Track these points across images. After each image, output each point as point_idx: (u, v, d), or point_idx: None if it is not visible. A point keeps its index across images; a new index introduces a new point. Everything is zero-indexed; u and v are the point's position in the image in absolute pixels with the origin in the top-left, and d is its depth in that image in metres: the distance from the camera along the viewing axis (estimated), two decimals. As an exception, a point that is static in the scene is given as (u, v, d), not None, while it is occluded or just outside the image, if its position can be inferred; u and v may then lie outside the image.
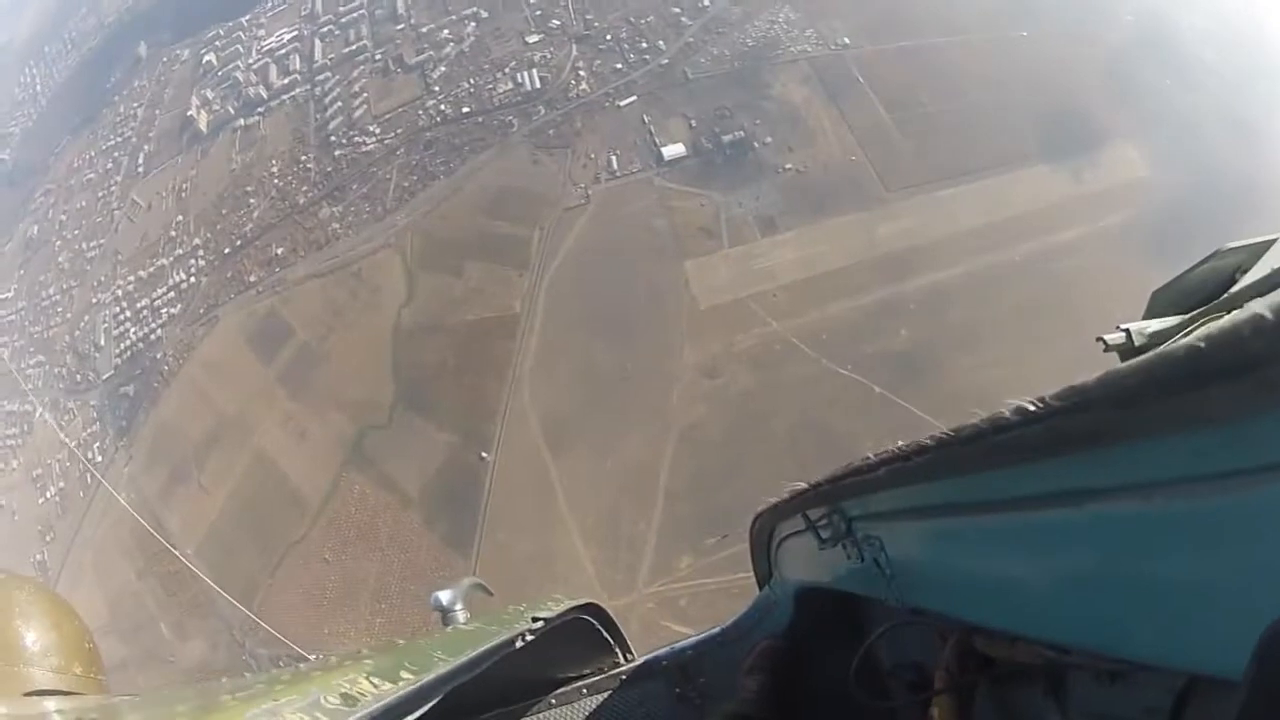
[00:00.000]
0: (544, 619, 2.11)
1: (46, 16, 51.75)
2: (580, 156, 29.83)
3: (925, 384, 26.67)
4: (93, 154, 41.41)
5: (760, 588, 3.01)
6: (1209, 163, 32.98)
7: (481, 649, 1.67)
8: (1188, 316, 1.66)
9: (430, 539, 26.83)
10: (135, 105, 41.61)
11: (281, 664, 29.40)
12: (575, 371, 26.66)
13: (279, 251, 32.50)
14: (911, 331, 27.74)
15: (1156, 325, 1.65)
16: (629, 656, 3.15)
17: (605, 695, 3.07)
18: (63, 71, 47.23)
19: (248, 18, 41.34)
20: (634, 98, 31.10)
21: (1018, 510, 0.97)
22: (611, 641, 3.04)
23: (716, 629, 3.13)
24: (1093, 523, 0.83)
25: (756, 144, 30.07)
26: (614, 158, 29.66)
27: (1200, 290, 1.88)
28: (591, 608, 2.78)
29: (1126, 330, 1.66)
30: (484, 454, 26.54)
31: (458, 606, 2.43)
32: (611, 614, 2.90)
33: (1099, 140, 33.79)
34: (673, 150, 29.67)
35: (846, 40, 33.67)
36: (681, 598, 24.37)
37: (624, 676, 3.10)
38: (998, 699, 1.60)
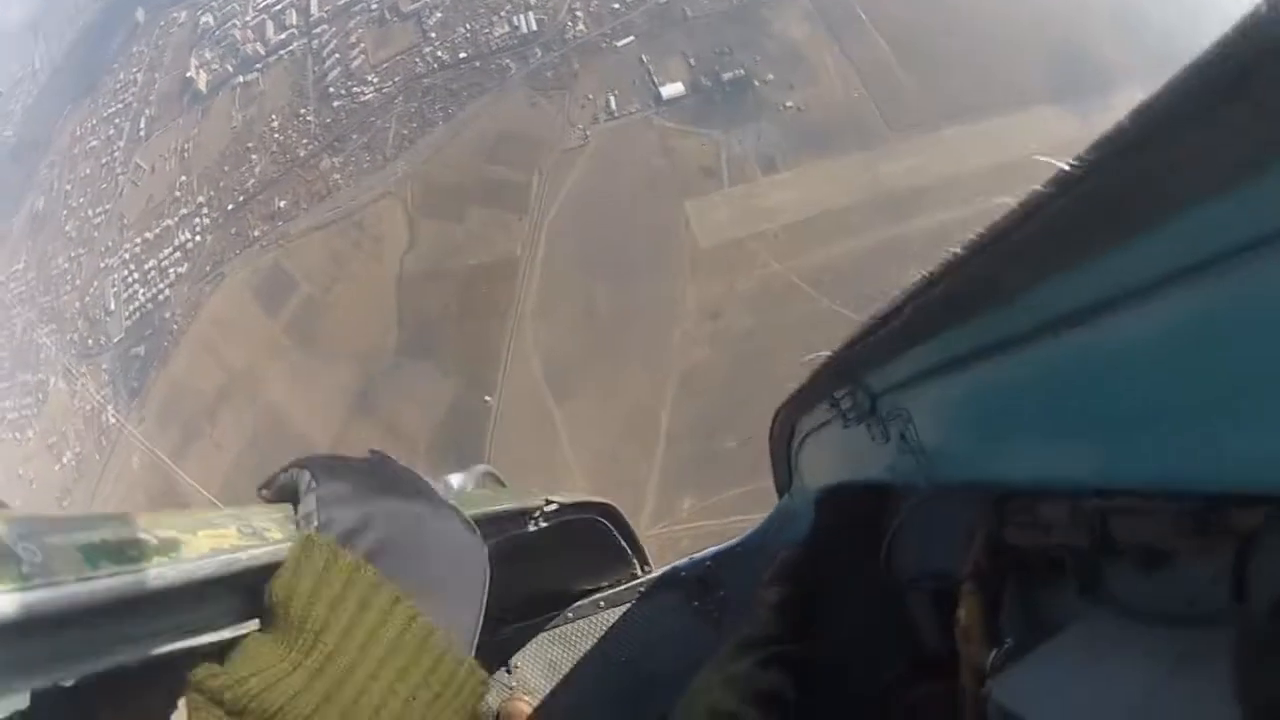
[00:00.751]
0: (559, 503, 2.04)
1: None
2: (578, 98, 29.40)
3: None
4: (95, 122, 41.52)
5: (780, 496, 2.91)
6: None
7: (495, 508, 1.61)
8: None
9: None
10: (135, 71, 41.53)
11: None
12: (576, 314, 26.58)
13: (281, 205, 32.53)
14: (916, 271, 27.31)
15: None
16: (646, 568, 3.10)
17: (622, 608, 3.05)
18: (61, 45, 47.20)
19: (242, -23, 40.95)
20: (631, 37, 30.49)
21: (1042, 339, 0.85)
22: (629, 550, 2.96)
23: (736, 540, 3.08)
24: (1129, 328, 0.71)
25: (757, 82, 29.43)
26: (612, 98, 29.19)
27: None
28: (608, 510, 2.71)
29: None
30: (487, 398, 26.66)
31: (469, 489, 2.38)
32: (627, 519, 2.82)
33: (1109, 82, 32.76)
34: (671, 89, 29.13)
35: (849, -26, 32.73)
36: (684, 539, 24.49)
37: (641, 589, 3.06)
38: (1028, 599, 1.49)
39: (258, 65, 36.42)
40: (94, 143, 41.15)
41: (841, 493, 2.26)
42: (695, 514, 24.86)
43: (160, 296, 35.17)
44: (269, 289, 31.68)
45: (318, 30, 35.55)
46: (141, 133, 39.22)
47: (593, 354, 26.15)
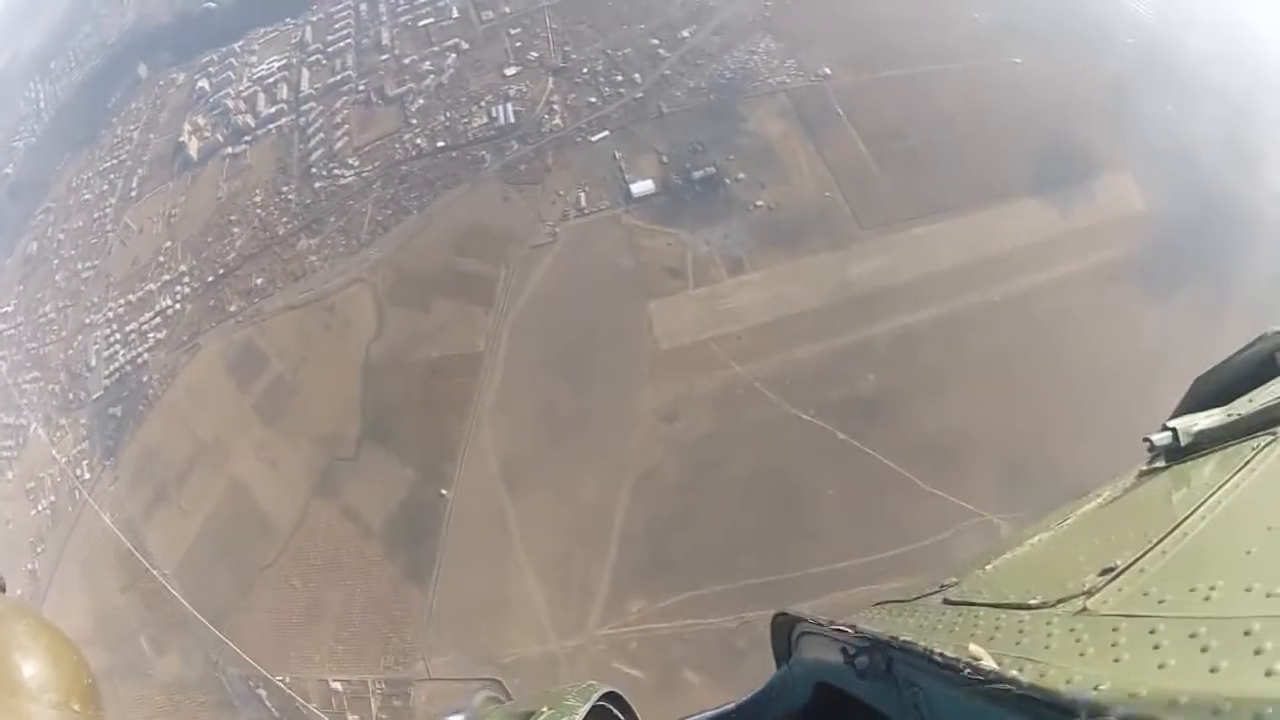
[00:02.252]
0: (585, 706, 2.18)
1: (52, 32, 53.13)
2: (550, 193, 29.98)
3: (891, 431, 26.39)
4: (90, 175, 42.50)
5: (778, 664, 2.99)
6: (1210, 194, 32.06)
7: None
8: (1231, 413, 1.65)
9: (391, 571, 27.26)
10: (132, 128, 42.60)
11: (250, 684, 30.28)
12: (535, 411, 26.87)
13: (258, 282, 33.12)
14: (879, 377, 27.43)
15: (1203, 422, 1.67)
16: None
17: None
18: (66, 89, 48.48)
19: (241, 43, 42.07)
20: (606, 132, 31.15)
21: None
22: None
23: (731, 705, 3.10)
24: None
25: (728, 180, 29.96)
26: (583, 194, 29.75)
27: (1244, 376, 1.88)
28: (612, 696, 2.80)
29: (1173, 430, 1.65)
30: (444, 491, 26.87)
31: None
32: (629, 701, 2.89)
33: (1092, 172, 33.04)
34: (641, 187, 29.67)
35: (828, 70, 33.34)
36: (632, 641, 24.51)
37: None
38: None
39: (247, 138, 37.30)
40: (88, 196, 42.10)
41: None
42: (645, 617, 24.89)
43: (139, 359, 35.71)
44: (242, 364, 32.16)
45: (305, 107, 36.45)
46: (133, 192, 40.10)
47: (549, 453, 26.39)
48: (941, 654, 1.39)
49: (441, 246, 30.19)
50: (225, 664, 30.05)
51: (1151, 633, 1.03)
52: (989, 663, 1.23)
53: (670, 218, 29.30)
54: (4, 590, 2.17)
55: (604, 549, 25.21)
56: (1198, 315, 28.75)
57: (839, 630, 1.87)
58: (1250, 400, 1.67)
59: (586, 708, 2.33)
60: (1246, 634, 0.90)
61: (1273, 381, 1.71)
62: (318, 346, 30.76)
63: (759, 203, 29.75)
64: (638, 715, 3.02)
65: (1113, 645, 1.05)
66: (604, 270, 28.35)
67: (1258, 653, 0.85)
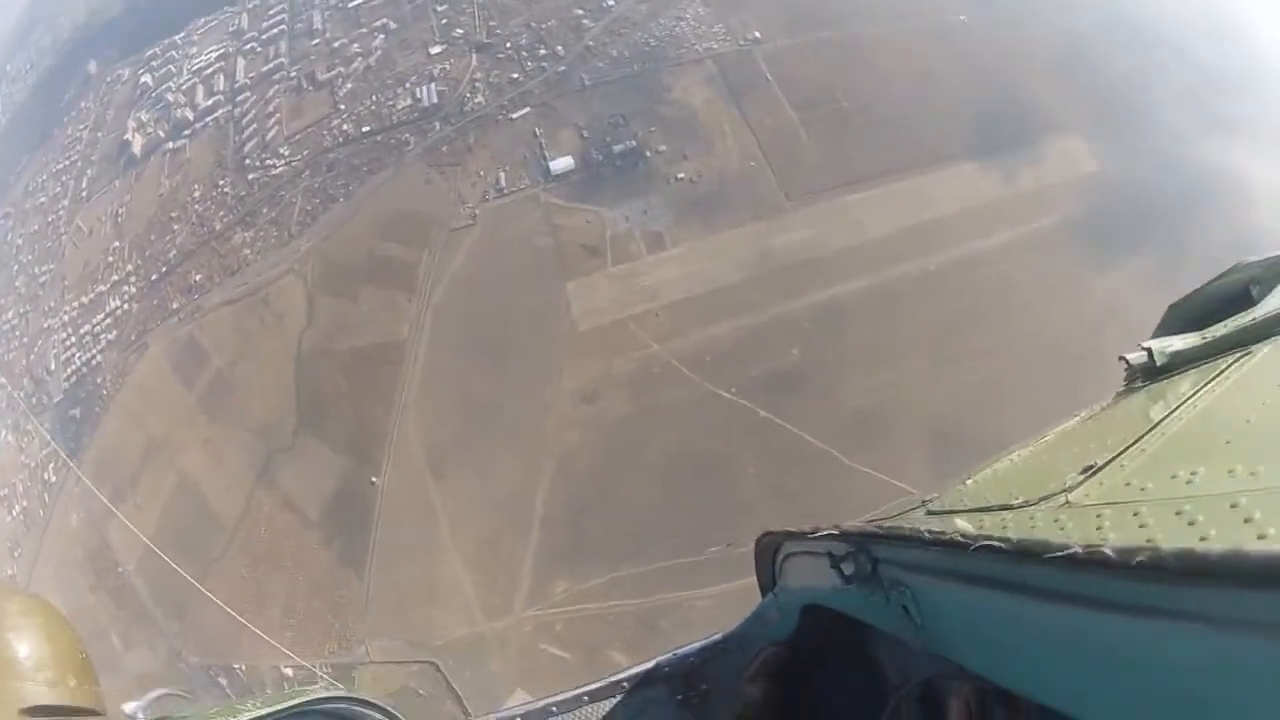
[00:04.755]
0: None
1: (9, 34, 53.23)
2: (470, 174, 29.67)
3: (816, 407, 26.01)
4: (44, 177, 42.86)
5: (763, 594, 2.99)
6: (1166, 158, 30.70)
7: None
8: (1206, 335, 1.71)
9: (328, 558, 27.85)
10: (82, 127, 42.77)
11: (211, 673, 31.41)
12: (456, 398, 26.99)
13: (198, 278, 33.40)
14: (804, 351, 26.96)
15: (1179, 343, 1.73)
16: None
17: (606, 703, 3.07)
18: (21, 90, 48.72)
19: (181, 35, 41.81)
20: (528, 109, 30.62)
21: (1073, 606, 1.04)
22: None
23: (719, 635, 3.12)
24: (1150, 638, 0.93)
25: (649, 153, 29.40)
26: (503, 174, 29.40)
27: (1217, 305, 1.94)
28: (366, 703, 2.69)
29: (1148, 350, 1.71)
30: (374, 479, 27.24)
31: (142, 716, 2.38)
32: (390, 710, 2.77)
33: (1040, 134, 31.70)
34: (560, 164, 29.23)
35: (757, 34, 32.34)
36: (557, 622, 24.88)
37: (625, 684, 3.09)
38: None
39: (186, 132, 37.28)
40: (43, 199, 42.51)
41: (827, 609, 2.33)
42: (570, 598, 25.22)
43: (94, 361, 36.38)
44: (185, 361, 32.63)
45: (241, 97, 36.26)
46: (84, 193, 40.42)
47: (471, 439, 26.57)
48: (928, 530, 1.38)
49: (367, 234, 30.14)
50: (187, 654, 31.13)
51: (1135, 514, 1.04)
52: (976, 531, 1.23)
53: (589, 194, 28.89)
54: None
55: (527, 533, 25.48)
56: (1148, 283, 27.69)
57: (824, 535, 1.85)
58: (1224, 326, 1.68)
59: (281, 706, 2.27)
60: (1233, 506, 0.90)
61: (1247, 310, 1.72)
62: (254, 340, 31.06)
63: (680, 175, 29.18)
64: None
65: (1097, 529, 1.06)
66: (522, 251, 28.13)
67: (1247, 521, 0.86)
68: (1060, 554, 0.98)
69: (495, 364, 26.83)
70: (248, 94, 36.72)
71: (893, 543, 1.57)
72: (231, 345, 31.43)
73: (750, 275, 27.84)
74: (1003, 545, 1.12)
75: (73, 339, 37.44)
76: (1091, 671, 1.06)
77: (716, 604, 23.08)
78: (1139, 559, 0.87)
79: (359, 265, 29.74)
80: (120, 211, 38.17)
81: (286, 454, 29.06)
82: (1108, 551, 0.91)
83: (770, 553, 2.68)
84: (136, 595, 32.79)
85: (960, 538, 1.23)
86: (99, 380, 35.70)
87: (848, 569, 1.72)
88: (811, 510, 24.67)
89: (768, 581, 2.85)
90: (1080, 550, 0.95)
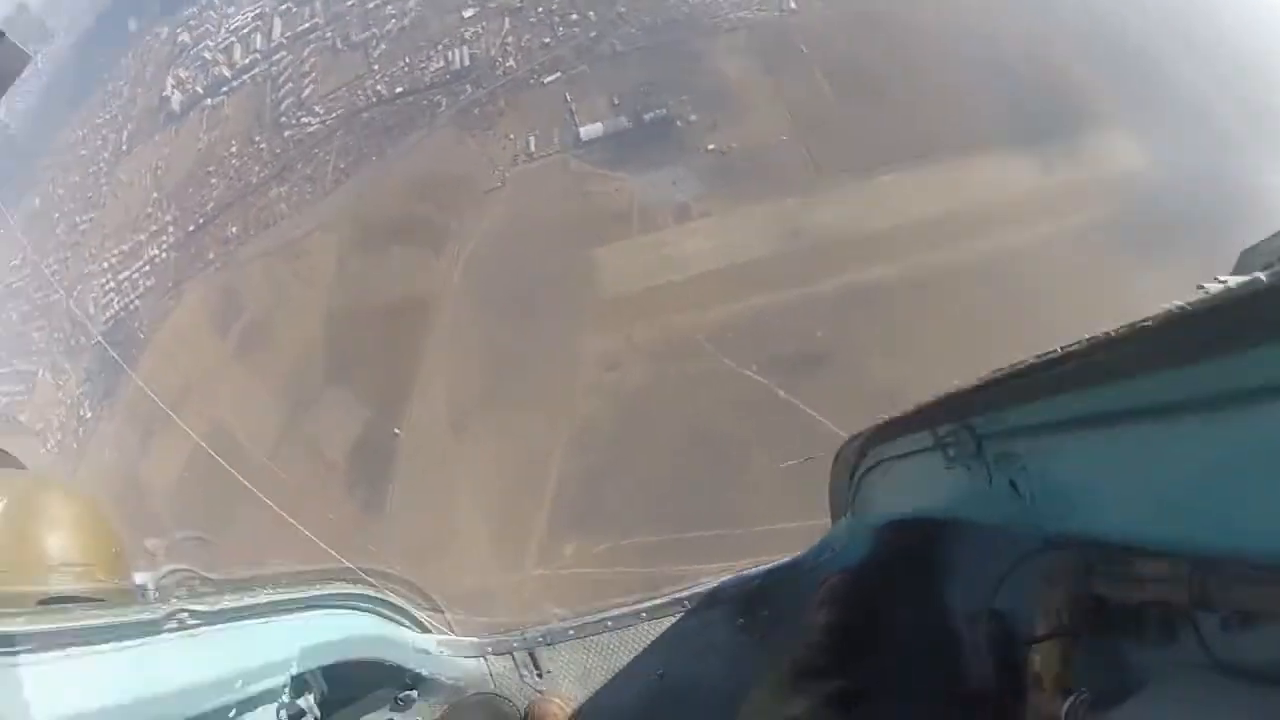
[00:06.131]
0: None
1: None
2: (500, 137, 30.03)
3: (835, 390, 25.87)
4: (85, 131, 43.99)
5: (834, 520, 2.88)
6: (1218, 154, 29.73)
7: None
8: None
9: (351, 506, 28.83)
10: (122, 83, 43.73)
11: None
12: (481, 357, 27.64)
13: (233, 230, 34.31)
14: (828, 333, 26.87)
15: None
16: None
17: (665, 621, 3.04)
18: (63, 47, 49.74)
19: (220, -8, 42.41)
20: (558, 74, 30.80)
21: (1178, 415, 0.95)
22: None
23: (786, 560, 3.03)
24: (1258, 422, 0.83)
25: (679, 122, 29.46)
26: (532, 139, 29.71)
27: None
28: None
29: (1224, 282, 1.70)
30: (396, 430, 28.06)
31: (153, 585, 2.45)
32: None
33: (1086, 125, 30.79)
34: (590, 130, 29.45)
35: (793, 5, 32.04)
36: (564, 583, 25.58)
37: (686, 603, 3.05)
38: (1107, 652, 1.49)
39: (224, 89, 38.00)
40: (84, 151, 43.66)
41: (905, 526, 2.21)
42: (578, 560, 25.89)
43: (132, 306, 37.60)
44: (220, 309, 33.67)
45: (277, 56, 36.82)
46: (124, 146, 41.47)
47: (493, 397, 27.23)
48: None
49: (399, 193, 30.71)
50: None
51: None
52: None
53: (618, 162, 29.10)
54: None
55: (541, 493, 26.11)
56: (1193, 284, 27.07)
57: (919, 411, 1.71)
58: None
59: (304, 594, 2.33)
60: None
61: None
62: (287, 291, 31.95)
63: (710, 146, 29.21)
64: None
65: None
66: (551, 216, 28.52)
67: None
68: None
69: (519, 327, 27.39)
70: (284, 53, 37.28)
71: (992, 395, 1.41)
72: (265, 295, 32.36)
73: (778, 251, 27.85)
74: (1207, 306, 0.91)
75: (111, 284, 38.70)
76: (1255, 493, 0.89)
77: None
78: None
79: (390, 223, 30.36)
80: (159, 165, 39.14)
81: (314, 402, 30.01)
82: None
83: (848, 471, 2.54)
84: (162, 528, 34.33)
85: (1146, 323, 0.99)
86: (136, 325, 36.94)
87: (950, 444, 1.62)
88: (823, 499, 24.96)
89: (841, 506, 2.72)
90: None
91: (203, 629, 2.03)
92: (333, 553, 27.88)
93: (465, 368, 27.64)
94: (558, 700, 3.04)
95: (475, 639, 3.22)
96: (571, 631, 3.04)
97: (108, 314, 38.68)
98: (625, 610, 2.98)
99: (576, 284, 27.37)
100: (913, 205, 29.29)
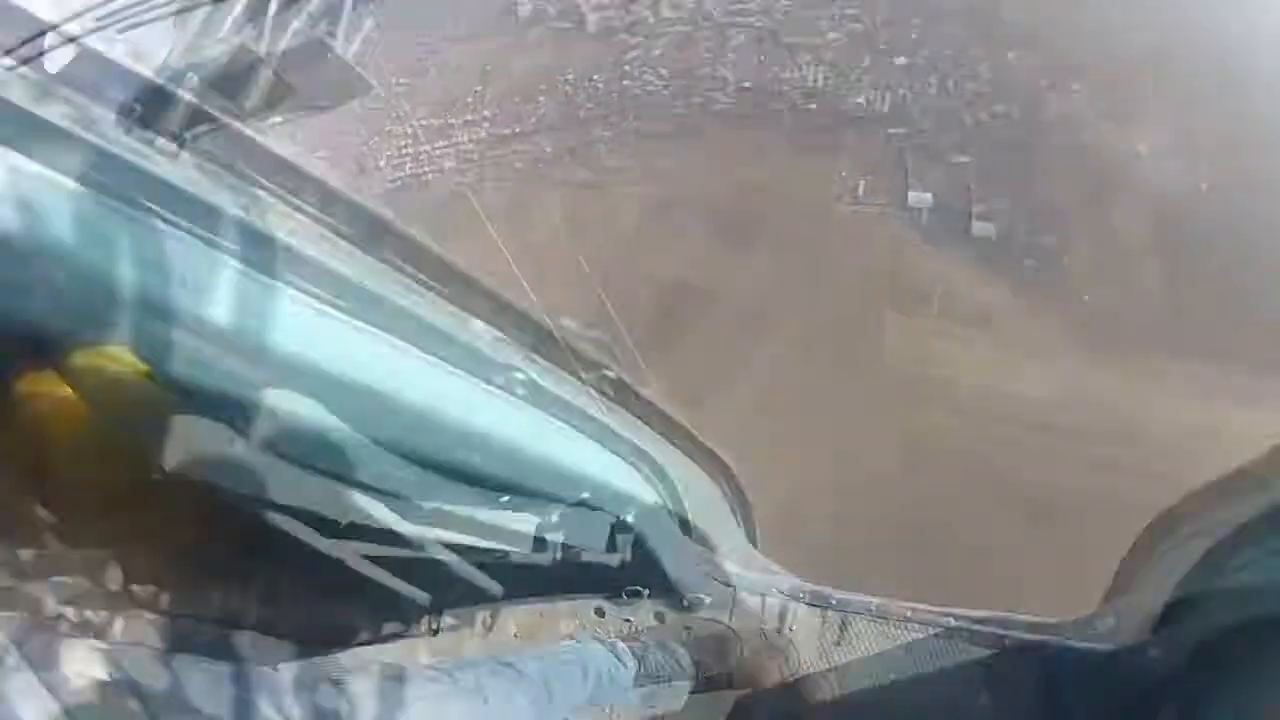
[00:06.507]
0: None
1: None
2: (834, 171, 30.58)
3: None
4: (423, 4, 47.54)
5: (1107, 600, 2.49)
6: None
7: None
8: None
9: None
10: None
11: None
12: (768, 364, 28.71)
13: (548, 150, 36.38)
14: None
15: None
16: None
17: (956, 643, 2.62)
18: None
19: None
20: (904, 129, 30.86)
21: None
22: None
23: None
24: None
25: (1003, 242, 28.96)
26: (862, 183, 30.12)
27: None
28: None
29: None
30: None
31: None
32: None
33: None
34: (918, 198, 29.52)
35: (1140, 149, 30.59)
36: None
37: (987, 641, 2.55)
38: None
39: (574, 18, 40.12)
40: (416, 24, 47.31)
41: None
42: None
43: (423, 177, 40.95)
44: (503, 219, 36.30)
45: (634, 7, 38.50)
46: (461, 32, 44.56)
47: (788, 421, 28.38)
48: None
49: (716, 182, 31.89)
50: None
51: None
52: None
53: (938, 241, 29.19)
54: None
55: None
56: None
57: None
58: None
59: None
60: None
61: None
62: (575, 228, 34.09)
63: (1084, 298, 27.88)
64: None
65: None
66: (856, 262, 29.09)
67: None
68: None
69: (798, 354, 28.30)
70: (638, 5, 38.87)
71: None
72: (551, 226, 34.70)
73: (1046, 398, 27.10)
74: None
75: (409, 150, 42.20)
76: None
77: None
78: None
79: (697, 204, 31.75)
80: (489, 66, 41.98)
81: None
82: None
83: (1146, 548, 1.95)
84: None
85: None
86: (418, 195, 40.41)
87: None
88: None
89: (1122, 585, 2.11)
90: None
91: (526, 408, 1.76)
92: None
93: (769, 367, 28.71)
94: (781, 660, 2.73)
95: (794, 579, 2.83)
96: (874, 607, 2.62)
97: (396, 175, 42.15)
98: (930, 613, 2.53)
99: (867, 340, 27.79)
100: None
